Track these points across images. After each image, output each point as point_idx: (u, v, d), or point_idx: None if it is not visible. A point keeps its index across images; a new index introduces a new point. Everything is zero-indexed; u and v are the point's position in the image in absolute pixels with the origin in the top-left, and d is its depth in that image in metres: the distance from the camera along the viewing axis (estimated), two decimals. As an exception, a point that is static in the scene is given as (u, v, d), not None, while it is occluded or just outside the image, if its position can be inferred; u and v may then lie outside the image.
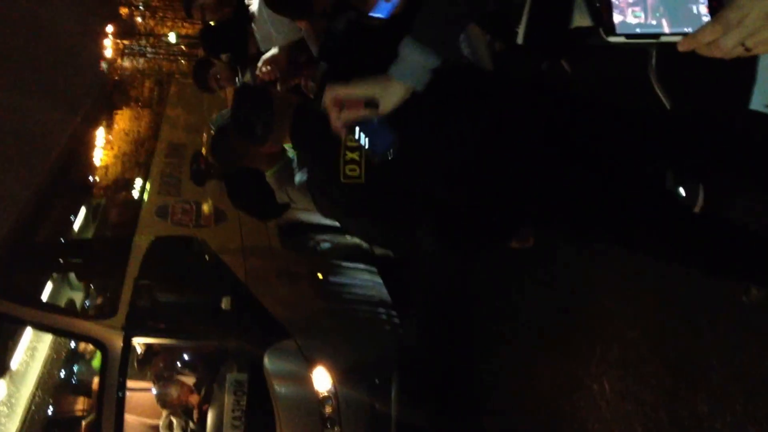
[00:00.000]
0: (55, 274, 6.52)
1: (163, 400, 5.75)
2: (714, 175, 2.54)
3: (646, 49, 2.71)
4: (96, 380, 5.70)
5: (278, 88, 3.74)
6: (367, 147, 1.94)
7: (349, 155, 2.29)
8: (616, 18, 1.49)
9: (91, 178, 7.79)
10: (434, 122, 2.29)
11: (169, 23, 12.95)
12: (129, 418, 5.57)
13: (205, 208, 6.32)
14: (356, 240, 6.22)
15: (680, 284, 3.23)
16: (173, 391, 5.75)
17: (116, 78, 10.60)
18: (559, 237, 3.62)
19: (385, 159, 1.96)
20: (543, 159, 2.28)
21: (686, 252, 2.35)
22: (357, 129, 1.95)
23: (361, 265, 5.98)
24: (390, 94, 1.94)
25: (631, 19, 1.47)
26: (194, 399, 5.71)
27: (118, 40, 11.89)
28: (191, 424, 5.71)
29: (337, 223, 5.02)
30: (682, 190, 2.76)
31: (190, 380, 5.88)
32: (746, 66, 1.92)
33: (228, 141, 2.94)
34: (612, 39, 1.53)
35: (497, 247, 2.72)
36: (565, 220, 2.37)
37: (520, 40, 2.48)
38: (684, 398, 3.17)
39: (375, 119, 1.94)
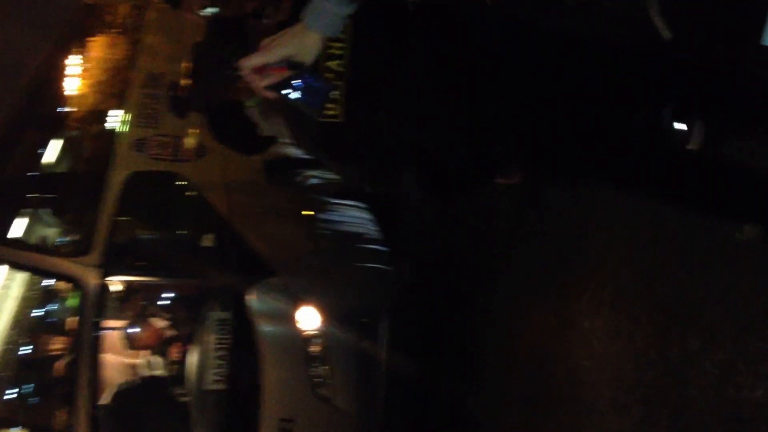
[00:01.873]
0: (27, 210, 6.53)
1: (142, 341, 5.84)
2: (716, 113, 2.60)
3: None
4: (72, 319, 5.81)
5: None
6: (301, 105, 1.98)
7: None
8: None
9: (63, 109, 7.72)
10: (423, 53, 2.31)
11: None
12: (107, 357, 5.69)
13: (185, 141, 6.29)
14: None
15: (673, 222, 3.35)
16: (153, 331, 5.84)
17: (90, 2, 10.41)
18: (547, 175, 3.70)
19: (324, 112, 2.04)
20: (531, 88, 2.32)
21: (679, 189, 2.43)
22: (284, 91, 1.97)
23: (351, 202, 6.01)
24: (307, 47, 1.97)
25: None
26: (175, 339, 5.81)
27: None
28: (172, 363, 5.82)
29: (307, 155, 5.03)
30: (680, 126, 2.82)
31: (170, 319, 5.98)
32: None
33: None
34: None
35: (482, 182, 2.77)
36: (554, 155, 2.42)
37: None
38: (675, 336, 3.32)
39: (303, 75, 1.97)
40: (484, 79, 2.32)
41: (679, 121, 2.69)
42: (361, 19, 2.12)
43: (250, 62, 1.99)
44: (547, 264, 4.42)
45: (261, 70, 1.98)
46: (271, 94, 2.00)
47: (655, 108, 2.51)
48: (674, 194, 2.45)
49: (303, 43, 1.96)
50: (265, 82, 1.98)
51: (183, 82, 5.37)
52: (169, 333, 5.88)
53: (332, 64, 2.27)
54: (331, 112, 2.27)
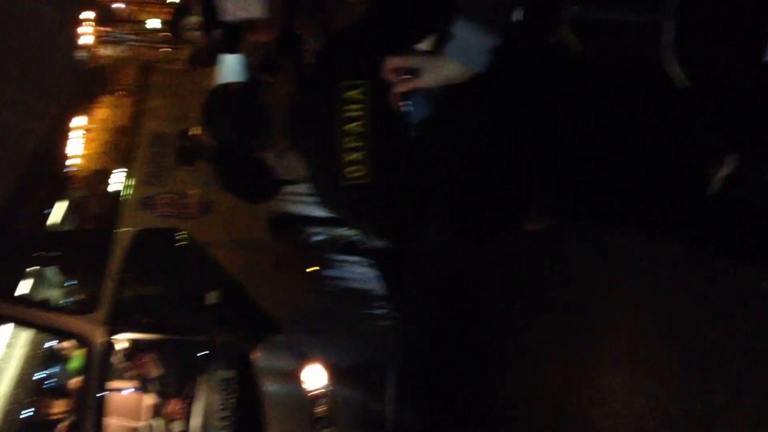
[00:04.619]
0: (34, 268, 6.50)
1: (144, 404, 5.71)
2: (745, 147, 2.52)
3: (660, 21, 2.70)
4: (75, 381, 5.69)
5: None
6: (408, 115, 2.07)
7: (351, 156, 2.24)
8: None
9: (70, 170, 7.75)
10: (443, 103, 2.27)
11: (150, 9, 12.89)
12: (110, 420, 5.54)
13: (191, 199, 6.28)
14: (351, 232, 6.20)
15: (695, 271, 3.23)
16: (156, 393, 5.71)
17: (96, 66, 10.53)
18: (568, 223, 3.61)
19: (417, 129, 2.09)
20: (558, 136, 2.27)
21: (701, 236, 2.35)
22: (406, 99, 2.06)
23: (357, 258, 5.96)
24: (438, 69, 2.02)
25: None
26: (178, 401, 5.67)
27: (98, 27, 11.83)
28: (175, 425, 5.67)
29: (331, 215, 4.99)
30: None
31: (174, 377, 5.86)
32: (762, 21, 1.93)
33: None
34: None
35: (513, 229, 2.69)
36: (577, 202, 2.36)
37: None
38: (699, 391, 3.16)
39: (421, 91, 2.06)
40: (507, 127, 2.25)
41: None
42: (377, 78, 2.12)
43: (393, 61, 2.05)
44: (564, 316, 4.28)
45: (396, 71, 2.06)
46: (396, 97, 2.07)
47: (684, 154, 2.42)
48: (696, 241, 2.38)
49: (440, 68, 2.02)
50: (402, 87, 2.04)
51: (192, 131, 5.36)
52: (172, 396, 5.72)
53: (352, 126, 2.23)
54: (356, 174, 2.23)
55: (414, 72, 2.05)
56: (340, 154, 2.24)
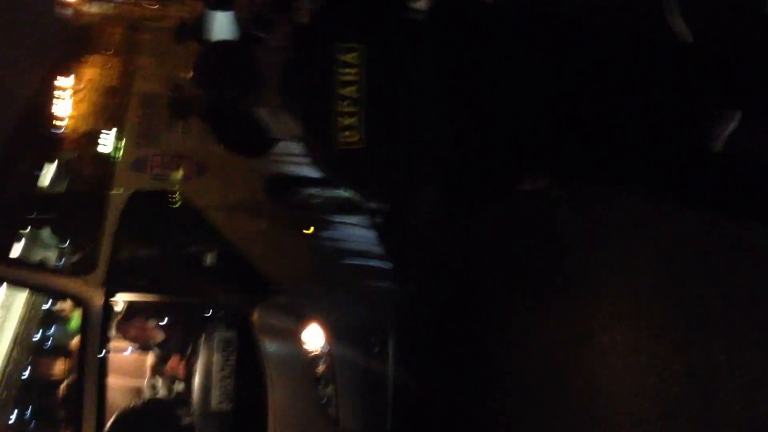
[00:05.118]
0: (29, 230, 6.48)
1: (146, 364, 5.75)
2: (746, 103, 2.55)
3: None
4: (74, 341, 5.72)
5: None
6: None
7: (345, 121, 2.26)
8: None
9: (60, 130, 7.69)
10: (438, 65, 2.27)
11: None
12: (111, 379, 5.59)
13: (186, 160, 6.26)
14: (349, 193, 6.20)
15: (697, 228, 3.25)
16: (157, 353, 5.75)
17: (82, 25, 10.38)
18: (567, 182, 3.63)
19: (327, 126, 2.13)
20: (555, 93, 2.27)
21: (703, 191, 2.39)
22: None
23: (356, 219, 5.98)
24: None
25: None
26: (179, 360, 5.72)
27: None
28: (177, 385, 5.73)
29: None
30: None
31: (175, 339, 5.90)
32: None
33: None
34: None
35: (509, 189, 2.71)
36: (577, 159, 2.38)
37: None
38: (699, 347, 3.20)
39: None
40: (502, 87, 2.27)
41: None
42: (373, 42, 2.18)
43: None
44: (563, 275, 4.32)
45: None
46: None
47: (685, 109, 2.45)
48: (698, 196, 2.42)
49: None
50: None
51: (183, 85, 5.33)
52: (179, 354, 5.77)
53: (347, 90, 2.24)
54: (350, 139, 2.25)
55: None
56: (335, 118, 2.25)
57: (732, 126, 2.62)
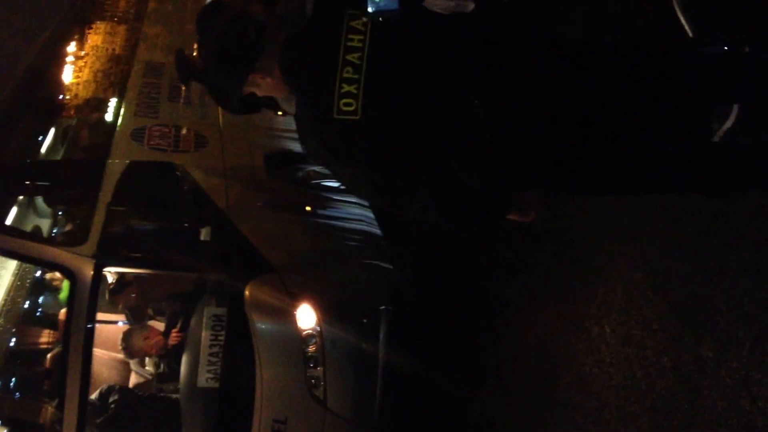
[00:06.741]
0: (21, 198, 6.48)
1: (133, 343, 5.77)
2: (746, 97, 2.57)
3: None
4: (62, 312, 5.74)
5: None
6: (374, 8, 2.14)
7: (346, 87, 2.28)
8: None
9: (60, 97, 7.68)
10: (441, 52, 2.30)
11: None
12: (98, 352, 5.63)
13: (185, 131, 6.26)
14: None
15: (689, 225, 3.29)
16: (145, 337, 5.76)
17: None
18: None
19: (391, 16, 2.16)
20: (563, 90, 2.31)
21: (697, 188, 2.49)
22: None
23: (353, 198, 5.98)
24: None
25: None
26: (168, 338, 5.75)
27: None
28: (165, 361, 5.77)
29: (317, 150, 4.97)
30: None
31: (163, 317, 5.94)
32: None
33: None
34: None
35: (497, 215, 2.73)
36: (572, 149, 2.39)
37: None
38: (688, 343, 3.25)
39: None
40: (503, 87, 2.29)
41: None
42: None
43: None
44: (556, 266, 4.35)
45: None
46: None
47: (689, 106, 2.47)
48: (692, 192, 2.44)
49: None
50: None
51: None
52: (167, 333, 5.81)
53: (352, 57, 2.28)
54: (348, 109, 2.27)
55: None
56: (337, 83, 2.29)
57: (730, 122, 2.65)
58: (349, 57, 2.28)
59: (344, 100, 2.27)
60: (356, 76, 2.27)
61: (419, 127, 2.32)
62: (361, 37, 2.29)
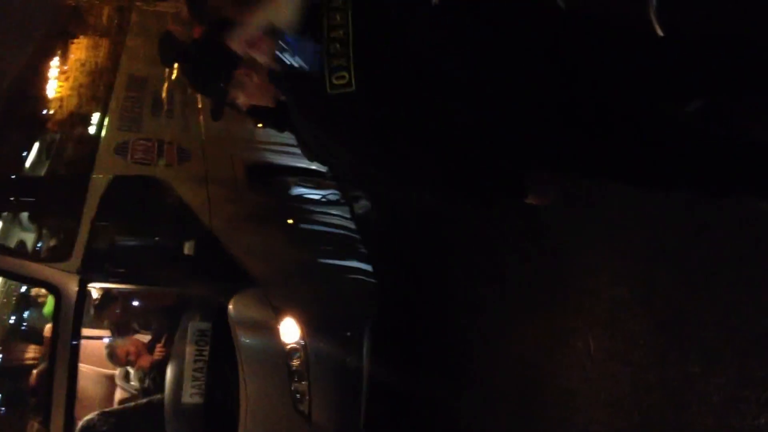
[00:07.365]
0: (4, 214, 6.41)
1: (119, 355, 5.70)
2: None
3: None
4: (48, 327, 5.65)
5: None
6: (297, 65, 2.17)
7: (335, 62, 2.30)
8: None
9: (44, 112, 7.61)
10: (432, 35, 2.31)
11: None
12: (83, 367, 5.54)
13: (167, 145, 6.20)
14: (331, 183, 6.17)
15: (676, 239, 3.24)
16: (130, 345, 5.70)
17: (72, 4, 10.30)
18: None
19: (320, 70, 2.19)
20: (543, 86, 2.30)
21: (687, 189, 2.52)
22: (279, 54, 2.18)
23: (336, 211, 5.94)
24: (280, 10, 2.15)
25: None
26: (151, 355, 5.68)
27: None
28: (150, 376, 5.69)
29: (310, 166, 4.93)
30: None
31: (148, 331, 5.87)
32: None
33: None
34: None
35: (512, 198, 2.71)
36: (555, 161, 2.40)
37: None
38: (674, 359, 3.19)
39: (286, 38, 2.16)
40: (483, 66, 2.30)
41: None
42: None
43: (234, 39, 2.17)
44: (541, 280, 4.28)
45: (252, 44, 2.20)
46: (273, 64, 2.19)
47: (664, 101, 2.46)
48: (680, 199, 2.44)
49: (275, 6, 2.13)
50: (261, 58, 2.18)
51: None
52: (152, 348, 5.72)
53: (336, 33, 2.32)
54: (341, 82, 2.29)
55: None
56: (327, 60, 2.31)
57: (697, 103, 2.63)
58: (333, 34, 2.31)
59: (337, 74, 2.30)
60: (344, 50, 2.30)
61: (412, 90, 2.34)
62: (341, 15, 2.32)
